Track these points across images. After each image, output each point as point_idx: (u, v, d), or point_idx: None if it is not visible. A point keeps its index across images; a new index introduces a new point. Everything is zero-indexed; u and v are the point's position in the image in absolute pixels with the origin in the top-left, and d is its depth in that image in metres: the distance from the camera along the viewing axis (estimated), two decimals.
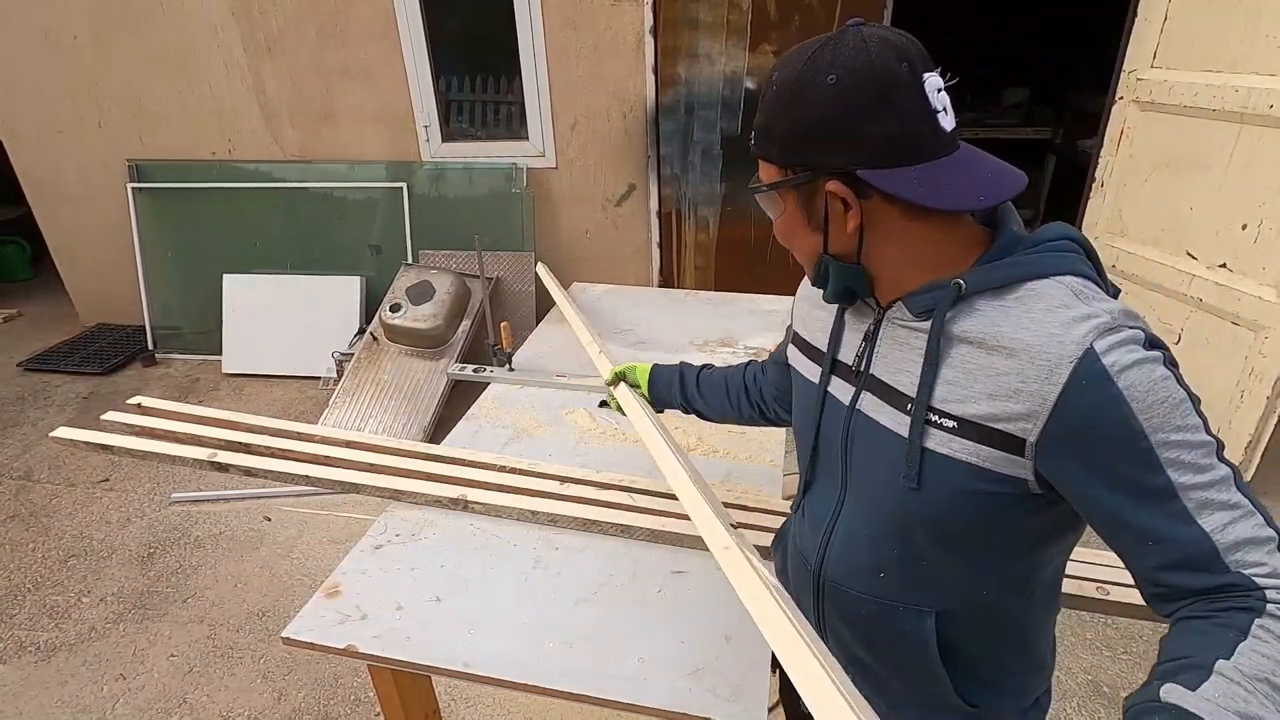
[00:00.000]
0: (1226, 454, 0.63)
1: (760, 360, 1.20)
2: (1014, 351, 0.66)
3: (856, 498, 0.82)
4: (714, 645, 1.03)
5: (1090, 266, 0.70)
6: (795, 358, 0.94)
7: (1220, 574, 0.60)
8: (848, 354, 0.82)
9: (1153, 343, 0.63)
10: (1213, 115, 2.33)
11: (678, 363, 1.27)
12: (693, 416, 1.24)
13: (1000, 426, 0.67)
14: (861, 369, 0.80)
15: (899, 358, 0.76)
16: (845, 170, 0.68)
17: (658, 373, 1.26)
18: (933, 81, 0.67)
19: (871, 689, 0.87)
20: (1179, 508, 0.61)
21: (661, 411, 1.26)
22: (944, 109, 0.68)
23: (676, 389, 1.22)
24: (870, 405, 0.79)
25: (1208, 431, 0.62)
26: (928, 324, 0.72)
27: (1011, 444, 0.66)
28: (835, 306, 0.85)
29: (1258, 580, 0.59)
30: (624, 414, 1.27)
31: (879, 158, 0.67)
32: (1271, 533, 0.61)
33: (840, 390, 0.83)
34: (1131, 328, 0.63)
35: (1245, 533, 0.60)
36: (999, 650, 0.82)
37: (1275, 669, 0.56)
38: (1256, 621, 0.58)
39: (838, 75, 0.66)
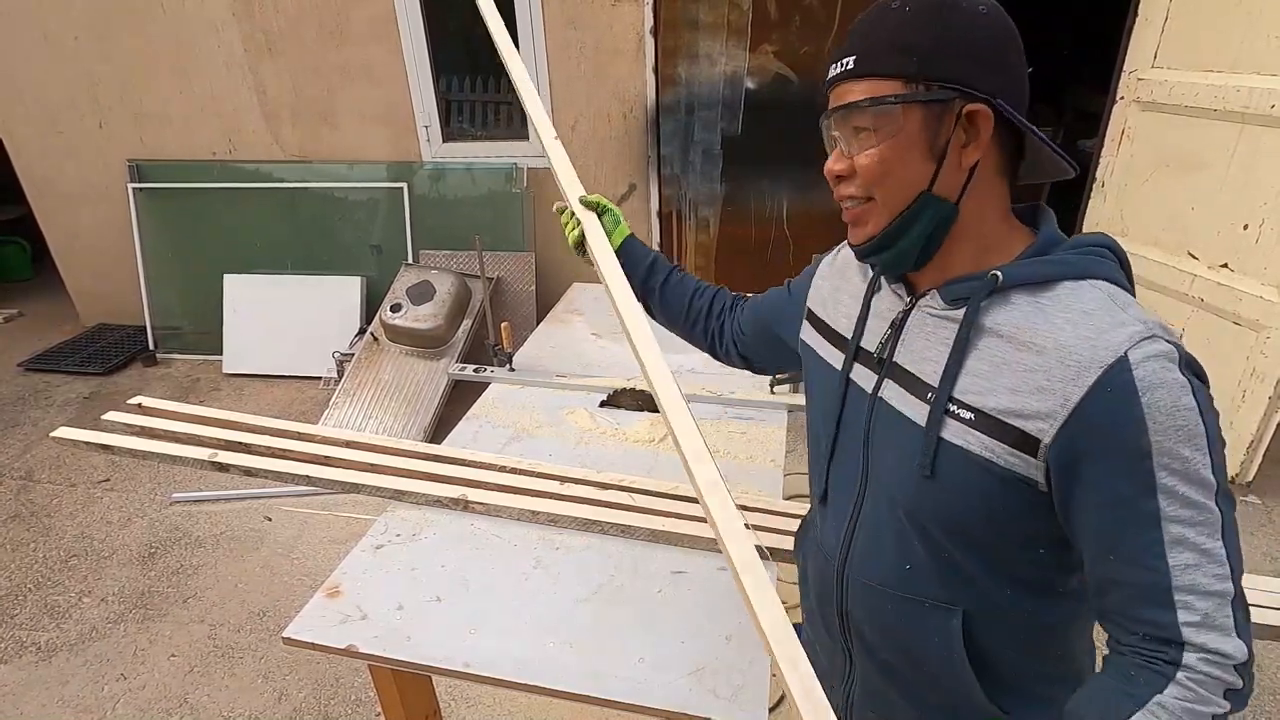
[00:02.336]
0: (1235, 484, 0.62)
1: (736, 295, 1.16)
2: (1044, 349, 0.65)
3: (877, 489, 0.80)
4: (714, 645, 1.03)
5: (1124, 277, 0.70)
6: (812, 338, 0.92)
7: (1162, 611, 0.61)
8: (871, 341, 0.81)
9: (1188, 364, 0.62)
10: (1214, 115, 2.33)
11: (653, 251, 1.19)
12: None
13: (1017, 424, 0.66)
14: (885, 356, 0.78)
15: (924, 346, 0.75)
16: (988, 96, 0.66)
17: (633, 242, 1.17)
18: None
19: (899, 693, 0.84)
20: (1155, 538, 0.61)
21: None
22: None
23: (644, 268, 1.15)
24: (892, 394, 0.77)
25: (1215, 473, 0.61)
26: (959, 313, 0.71)
27: (1026, 443, 0.66)
28: (862, 293, 0.84)
29: (1185, 633, 0.60)
30: (583, 251, 1.15)
31: (1015, 93, 0.67)
32: (1228, 586, 0.60)
33: (863, 378, 0.82)
34: (1168, 341, 0.62)
35: (1201, 580, 0.60)
36: (1029, 655, 0.79)
37: None
38: (1156, 698, 0.61)
39: (988, 5, 0.67)
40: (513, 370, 1.76)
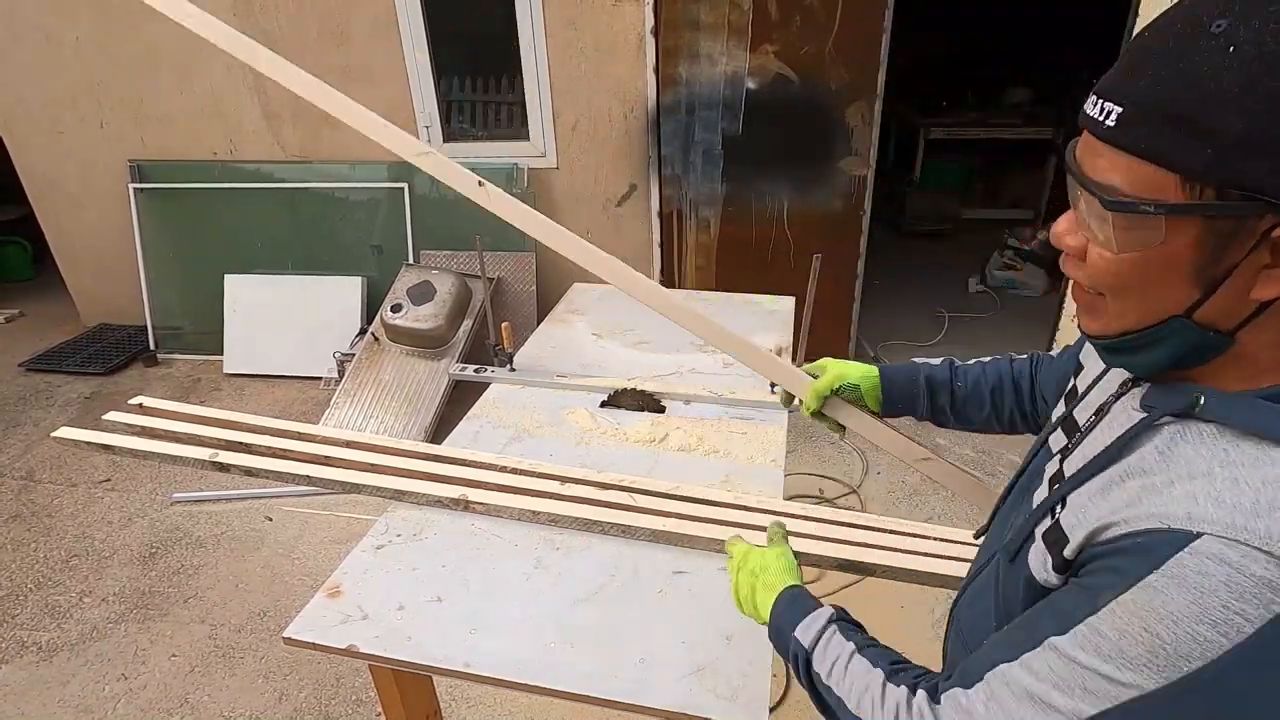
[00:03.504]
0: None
1: (1025, 358, 0.99)
2: (1146, 483, 0.52)
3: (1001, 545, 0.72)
4: (715, 645, 1.03)
5: None
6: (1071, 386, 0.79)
7: (969, 677, 0.59)
8: (1082, 415, 0.68)
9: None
10: None
11: (911, 362, 1.03)
12: (683, 416, 1.14)
13: (1068, 553, 0.56)
14: (1079, 432, 0.66)
15: (1102, 438, 0.61)
16: None
17: (890, 383, 1.02)
18: None
19: None
20: (1039, 643, 0.54)
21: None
22: None
23: (922, 403, 1.01)
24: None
25: (1114, 682, 0.49)
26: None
27: (1066, 566, 0.57)
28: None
29: (948, 698, 0.60)
30: (838, 430, 1.07)
31: None
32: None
33: (1056, 442, 0.70)
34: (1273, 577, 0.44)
35: (1009, 699, 0.55)
36: None
37: (849, 662, 0.67)
38: (889, 681, 0.64)
39: None
40: (513, 370, 1.76)
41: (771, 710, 0.94)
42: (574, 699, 0.98)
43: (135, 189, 3.72)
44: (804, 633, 0.72)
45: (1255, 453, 0.48)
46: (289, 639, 1.05)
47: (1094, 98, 0.51)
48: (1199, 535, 0.46)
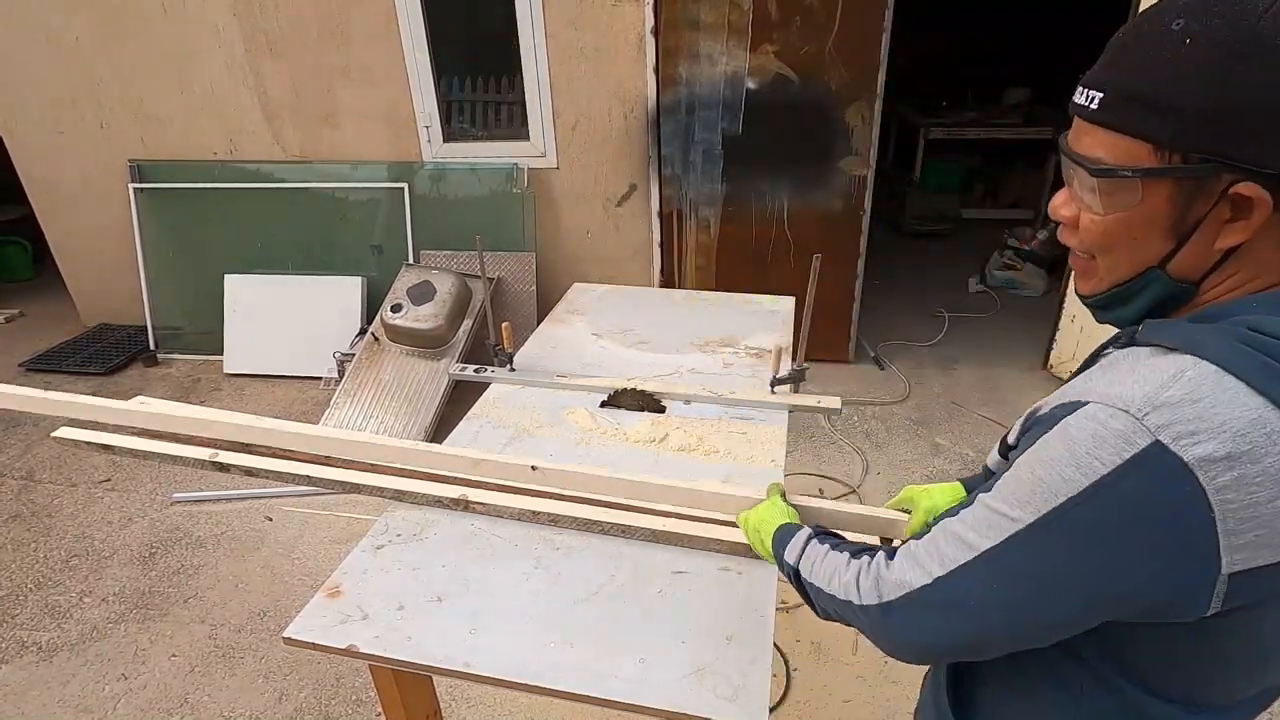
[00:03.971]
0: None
1: None
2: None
3: None
4: (714, 645, 1.03)
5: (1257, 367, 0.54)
6: None
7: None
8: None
9: (1159, 460, 0.53)
10: None
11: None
12: (683, 416, 1.18)
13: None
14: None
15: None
16: (1272, 172, 0.53)
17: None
18: None
19: None
20: (971, 503, 0.67)
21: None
22: None
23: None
24: None
25: (1019, 506, 0.60)
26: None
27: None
28: None
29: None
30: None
31: None
32: (934, 573, 0.66)
33: None
34: (1149, 430, 0.53)
35: (943, 545, 0.67)
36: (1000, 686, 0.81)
37: (824, 558, 0.80)
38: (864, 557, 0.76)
39: None
40: (513, 370, 1.76)
41: (771, 710, 0.94)
42: (574, 699, 0.98)
43: (135, 189, 3.73)
44: (790, 552, 0.86)
45: (1157, 357, 0.58)
46: (289, 639, 1.05)
47: (1081, 87, 0.62)
48: (1086, 403, 0.58)
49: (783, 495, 1.07)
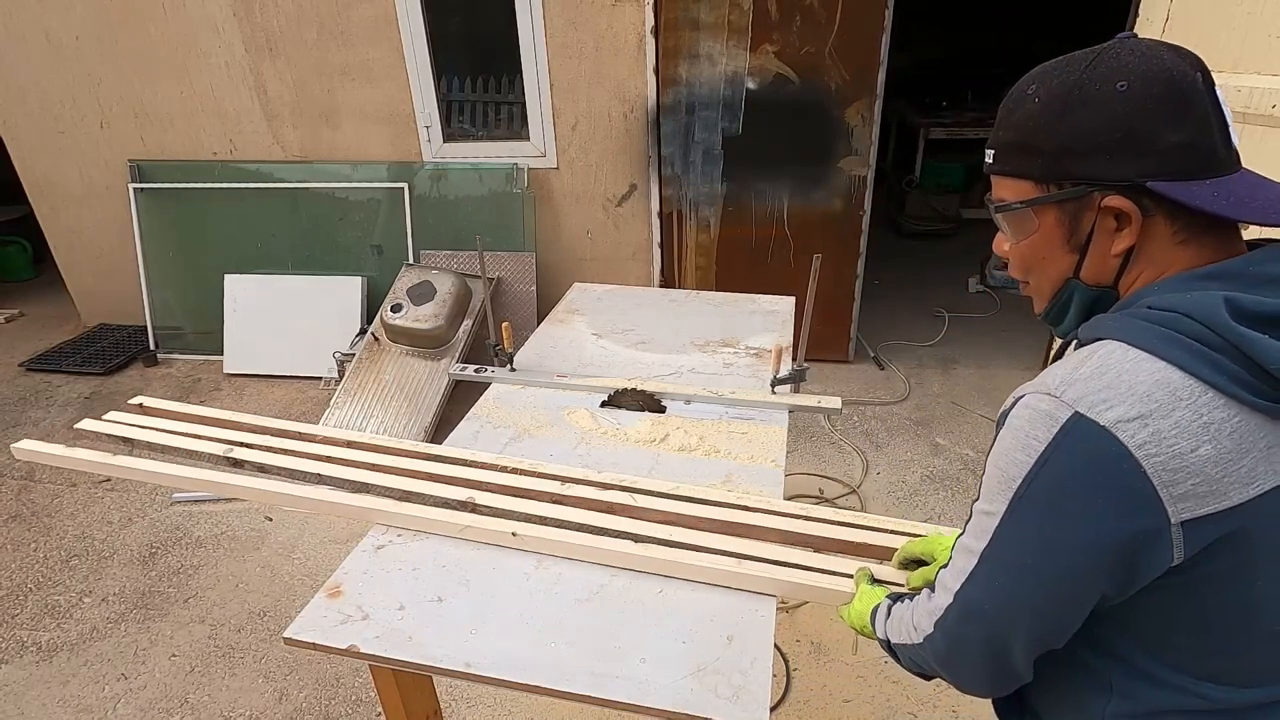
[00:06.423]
0: None
1: None
2: None
3: None
4: (715, 645, 1.03)
5: (1163, 341, 0.62)
6: None
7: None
8: None
9: (1077, 426, 0.61)
10: None
11: None
12: (683, 416, 1.20)
13: None
14: None
15: None
16: (1132, 183, 0.65)
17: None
18: (1220, 93, 0.65)
19: None
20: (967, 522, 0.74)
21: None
22: (1230, 122, 0.66)
23: None
24: None
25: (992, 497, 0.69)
26: None
27: None
28: None
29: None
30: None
31: (1173, 168, 0.64)
32: (957, 585, 0.73)
33: None
34: (1058, 398, 0.63)
35: (957, 561, 0.75)
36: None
37: (894, 616, 0.87)
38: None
39: (1129, 82, 0.64)
40: (513, 370, 1.76)
41: (772, 710, 0.94)
42: (574, 699, 0.98)
43: (135, 189, 3.73)
44: (879, 629, 0.91)
45: (1089, 350, 0.66)
46: (289, 639, 1.05)
47: (986, 150, 0.76)
48: (1025, 395, 0.67)
49: (870, 579, 1.04)
